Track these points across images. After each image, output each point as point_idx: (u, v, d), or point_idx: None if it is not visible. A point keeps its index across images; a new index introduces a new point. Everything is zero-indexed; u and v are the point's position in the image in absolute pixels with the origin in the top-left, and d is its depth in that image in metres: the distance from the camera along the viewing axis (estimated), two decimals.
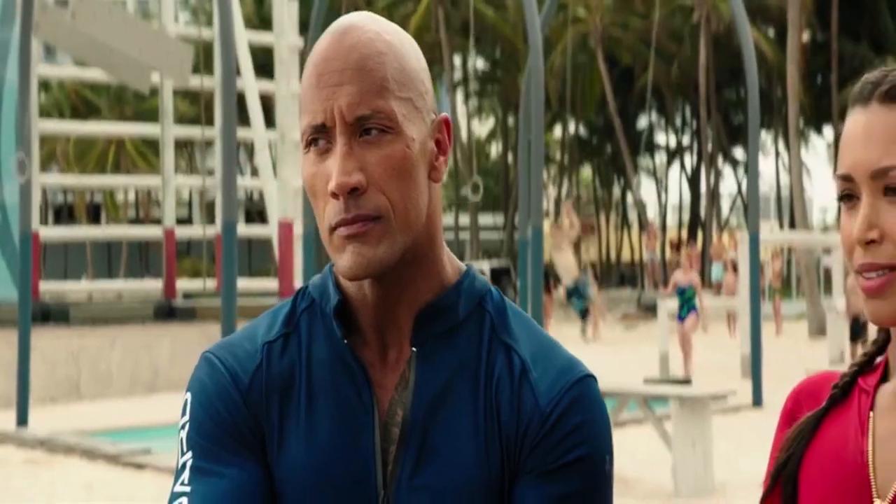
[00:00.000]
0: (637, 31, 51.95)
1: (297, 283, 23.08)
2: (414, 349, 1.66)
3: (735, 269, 26.67)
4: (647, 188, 66.42)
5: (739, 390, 15.31)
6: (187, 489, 1.64)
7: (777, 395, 17.59)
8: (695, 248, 25.99)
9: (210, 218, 31.84)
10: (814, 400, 1.78)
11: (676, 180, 65.43)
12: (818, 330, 28.52)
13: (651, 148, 66.84)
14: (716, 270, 31.79)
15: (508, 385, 1.65)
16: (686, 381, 16.70)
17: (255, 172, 45.02)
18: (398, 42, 1.65)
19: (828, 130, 60.35)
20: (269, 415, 1.67)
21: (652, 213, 63.27)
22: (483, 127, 73.38)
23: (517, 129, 60.37)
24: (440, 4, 51.70)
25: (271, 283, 27.18)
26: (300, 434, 1.65)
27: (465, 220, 59.20)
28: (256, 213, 50.58)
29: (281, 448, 1.66)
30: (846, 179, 1.64)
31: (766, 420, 15.78)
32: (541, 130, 15.33)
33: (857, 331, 21.39)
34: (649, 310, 37.42)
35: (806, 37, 45.97)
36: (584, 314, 30.06)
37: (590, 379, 1.67)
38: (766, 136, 61.43)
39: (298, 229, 24.33)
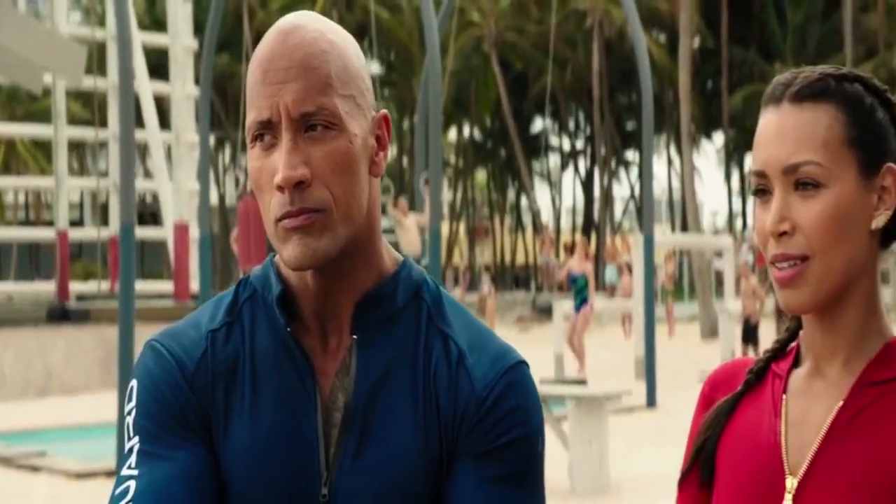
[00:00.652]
0: (531, 35, 52.34)
1: (194, 285, 22.92)
2: (354, 337, 1.72)
3: (630, 271, 27.01)
4: (541, 192, 66.92)
5: (633, 391, 15.52)
6: (135, 472, 1.67)
7: (670, 396, 17.85)
8: (584, 240, 26.34)
9: (104, 220, 31.47)
10: (729, 385, 1.87)
11: (570, 184, 66.07)
12: (710, 332, 28.97)
13: (545, 152, 67.38)
14: (609, 273, 32.13)
15: (446, 371, 1.72)
16: (581, 382, 16.87)
17: (146, 174, 44.60)
18: (341, 41, 1.72)
19: (718, 135, 61.31)
20: (215, 401, 1.71)
21: (546, 216, 63.76)
22: None
23: (412, 132, 60.49)
24: (335, 7, 51.66)
25: (165, 286, 26.98)
26: (245, 419, 1.70)
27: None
28: (149, 215, 50.11)
29: (226, 433, 1.70)
30: (760, 175, 1.74)
31: (659, 420, 16.01)
32: (439, 133, 15.41)
33: (748, 333, 21.78)
34: (544, 312, 37.73)
35: (696, 43, 46.66)
36: None
37: (523, 365, 1.74)
38: (657, 141, 62.22)
39: (194, 231, 24.21)
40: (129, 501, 1.66)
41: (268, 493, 1.69)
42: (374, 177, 1.74)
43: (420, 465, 1.69)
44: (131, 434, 1.71)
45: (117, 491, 1.68)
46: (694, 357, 23.48)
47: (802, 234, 1.70)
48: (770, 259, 1.73)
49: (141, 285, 26.88)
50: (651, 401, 17.20)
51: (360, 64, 1.73)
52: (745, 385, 1.84)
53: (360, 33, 55.82)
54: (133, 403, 1.72)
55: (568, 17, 49.85)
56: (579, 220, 62.05)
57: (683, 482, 1.86)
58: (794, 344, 1.84)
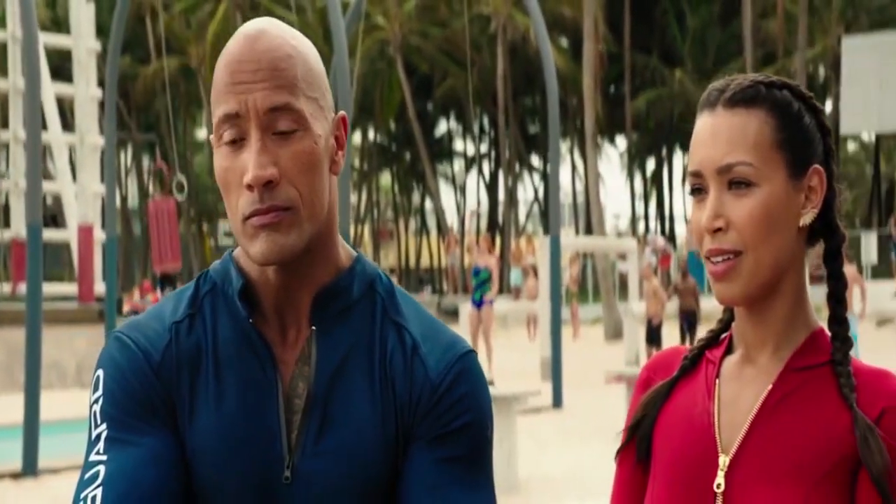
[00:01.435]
0: (436, 39, 52.46)
1: (99, 287, 22.72)
2: (313, 328, 1.81)
3: (535, 273, 27.22)
4: (446, 194, 67.15)
5: (541, 392, 15.68)
6: (103, 458, 1.74)
7: (576, 396, 18.05)
8: (488, 236, 26.54)
9: (5, 222, 31.05)
10: (666, 371, 2.00)
11: (475, 187, 66.39)
12: (614, 334, 29.26)
13: (450, 155, 67.56)
14: (515, 275, 32.33)
15: (401, 359, 1.82)
16: (489, 383, 17.01)
17: (46, 176, 44.04)
18: (303, 46, 1.81)
19: (621, 140, 61.90)
20: (180, 389, 1.79)
21: (451, 219, 63.96)
22: None
23: None
24: (238, 10, 51.37)
25: (68, 288, 26.69)
26: (209, 406, 1.78)
27: None
28: (49, 217, 49.44)
29: (192, 420, 1.78)
30: (696, 175, 1.87)
31: (565, 420, 16.20)
32: (348, 136, 15.44)
33: (651, 333, 22.06)
34: (450, 314, 37.85)
35: (600, 48, 47.06)
36: None
37: (472, 354, 1.85)
38: (560, 145, 62.61)
39: (98, 233, 24.00)
40: (100, 485, 1.71)
41: (233, 477, 1.76)
42: (334, 175, 1.83)
43: (378, 449, 1.79)
44: (98, 421, 1.77)
45: (86, 476, 1.74)
46: (598, 358, 23.74)
47: (735, 231, 1.83)
48: (705, 254, 1.86)
49: (45, 287, 26.57)
50: (557, 401, 17.38)
51: (320, 68, 1.82)
52: (681, 370, 1.96)
53: None
54: (99, 392, 1.78)
55: (472, 22, 50.03)
56: (484, 222, 62.30)
57: (621, 458, 1.99)
58: (726, 334, 1.97)
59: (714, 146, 1.85)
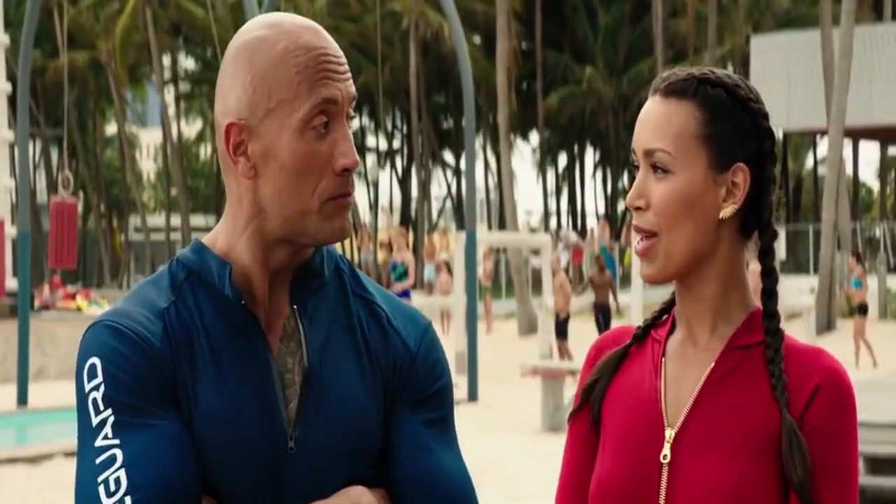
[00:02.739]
0: (348, 34, 52.35)
1: (10, 282, 22.46)
2: (295, 306, 1.92)
3: (447, 269, 27.31)
4: (358, 190, 66.98)
5: (456, 385, 15.78)
6: (115, 441, 1.78)
7: (490, 390, 18.17)
8: (402, 230, 26.64)
9: None
10: (613, 349, 2.11)
11: (387, 183, 66.28)
12: (528, 328, 29.41)
13: (362, 151, 67.47)
14: (428, 271, 32.40)
15: (378, 331, 1.96)
16: None
17: None
18: None
19: (533, 136, 62.20)
20: (181, 373, 1.85)
21: (363, 214, 63.88)
22: (191, 128, 72.52)
23: None
24: (148, 4, 50.89)
25: None
26: (210, 387, 1.86)
27: (176, 220, 58.43)
28: None
29: (195, 401, 1.85)
30: (634, 153, 2.02)
31: (481, 413, 16.30)
32: None
33: (558, 327, 22.24)
34: None
35: (512, 46, 47.28)
36: None
37: (431, 324, 2.03)
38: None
39: (9, 228, 23.72)
40: (121, 466, 1.76)
41: (240, 453, 1.84)
42: None
43: (371, 414, 1.91)
44: (101, 408, 1.80)
45: (98, 460, 1.77)
46: (512, 352, 23.85)
47: (653, 212, 1.96)
48: (633, 227, 2.02)
49: None
50: (473, 395, 17.48)
51: None
52: (633, 340, 2.09)
53: (174, 31, 55.26)
54: (99, 380, 1.82)
55: (385, 18, 50.03)
56: (397, 218, 62.30)
57: (573, 421, 2.10)
58: (669, 315, 2.09)
59: (644, 130, 1.99)
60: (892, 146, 47.43)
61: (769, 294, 2.01)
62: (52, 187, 58.32)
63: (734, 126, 1.98)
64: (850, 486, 1.92)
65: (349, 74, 1.89)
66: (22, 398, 16.31)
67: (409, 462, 1.91)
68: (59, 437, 13.39)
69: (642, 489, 1.95)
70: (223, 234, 1.94)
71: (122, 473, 1.75)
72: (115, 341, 1.84)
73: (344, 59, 1.89)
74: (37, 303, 28.26)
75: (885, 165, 50.22)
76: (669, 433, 1.97)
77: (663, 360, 2.04)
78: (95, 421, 1.80)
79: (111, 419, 1.79)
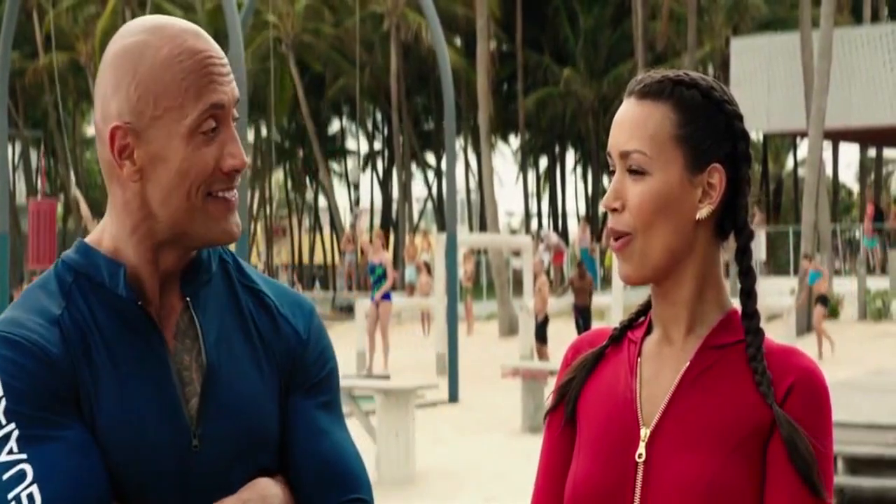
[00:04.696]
0: (328, 37, 52.32)
1: None
2: (188, 298, 1.92)
3: (428, 270, 27.31)
4: (339, 192, 66.93)
5: (437, 386, 15.78)
6: (22, 456, 1.74)
7: (471, 391, 18.19)
8: (381, 232, 26.64)
9: None
10: (590, 349, 2.12)
11: (369, 184, 66.36)
12: (509, 330, 29.42)
13: (343, 153, 67.41)
14: (409, 272, 32.40)
15: (267, 320, 1.98)
16: (385, 377, 17.11)
17: None
18: None
19: (513, 137, 62.22)
20: (81, 378, 1.83)
21: (345, 216, 63.87)
22: None
23: None
24: (128, 6, 50.80)
25: None
26: (111, 392, 1.84)
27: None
28: None
29: (97, 408, 1.83)
30: (609, 156, 2.02)
31: (462, 414, 16.33)
32: (244, 132, 15.44)
33: (537, 329, 22.27)
34: (343, 311, 37.83)
35: (492, 47, 47.35)
36: None
37: (315, 308, 2.06)
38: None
39: None
40: (32, 482, 1.73)
41: (145, 454, 1.83)
42: None
43: (269, 404, 1.93)
44: (3, 423, 1.76)
45: (5, 476, 1.74)
46: (493, 354, 23.87)
47: (629, 213, 1.97)
48: (609, 231, 2.01)
49: None
50: (454, 396, 17.51)
51: None
52: (609, 341, 2.09)
53: None
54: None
55: (365, 20, 50.03)
56: (378, 220, 62.31)
57: (549, 420, 2.10)
58: (645, 317, 2.10)
59: (620, 132, 2.00)
60: (871, 148, 47.58)
61: (748, 294, 2.02)
62: (31, 189, 58.18)
63: (709, 127, 1.98)
64: (828, 482, 1.93)
65: (232, 76, 1.90)
66: None
67: (307, 446, 1.94)
68: None
69: (617, 489, 1.96)
70: (109, 236, 1.92)
71: (34, 489, 1.73)
72: (12, 352, 1.80)
73: (226, 61, 1.90)
74: None
75: (865, 167, 50.37)
76: (644, 432, 1.98)
77: (639, 360, 2.04)
78: None
79: (15, 433, 1.76)
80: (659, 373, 2.02)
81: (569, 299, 24.37)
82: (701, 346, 2.00)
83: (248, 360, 1.93)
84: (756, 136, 49.36)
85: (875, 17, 43.89)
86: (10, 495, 1.72)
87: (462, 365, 18.40)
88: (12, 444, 1.75)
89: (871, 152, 48.95)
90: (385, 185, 62.43)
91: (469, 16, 45.53)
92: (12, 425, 1.75)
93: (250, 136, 64.37)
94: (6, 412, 1.76)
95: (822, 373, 1.97)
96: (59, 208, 59.09)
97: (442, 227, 47.04)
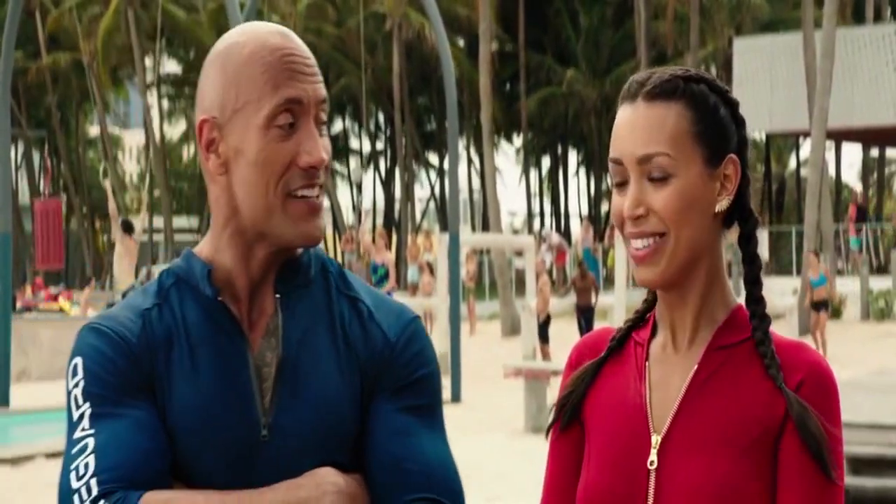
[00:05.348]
0: (330, 37, 52.34)
1: None
2: (278, 296, 1.98)
3: (430, 270, 27.31)
4: (342, 192, 66.93)
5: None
6: (90, 432, 1.88)
7: (474, 391, 18.18)
8: (383, 232, 26.72)
9: None
10: (593, 352, 2.10)
11: (371, 184, 66.46)
12: (511, 329, 29.40)
13: (346, 153, 67.41)
14: (412, 272, 32.40)
15: (359, 325, 2.01)
16: None
17: None
18: None
19: (516, 137, 62.21)
20: (157, 367, 1.94)
21: (347, 216, 63.82)
22: (174, 129, 72.42)
23: None
24: (130, 6, 50.81)
25: None
26: (186, 380, 1.93)
27: (159, 222, 58.33)
28: None
29: (170, 394, 1.93)
30: (617, 163, 1.98)
31: (465, 414, 16.30)
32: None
33: (540, 330, 22.26)
34: None
35: (494, 47, 47.34)
36: None
37: (419, 319, 2.06)
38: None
39: None
40: (91, 453, 1.85)
41: (214, 440, 1.90)
42: None
43: (345, 403, 1.96)
44: (80, 402, 1.92)
45: (73, 450, 1.87)
46: (495, 354, 23.86)
47: (655, 216, 1.94)
48: (627, 236, 1.97)
49: None
50: (456, 395, 17.50)
51: None
52: (609, 351, 2.07)
53: (155, 33, 55.07)
54: (80, 376, 1.93)
55: (367, 20, 50.05)
56: (380, 220, 62.31)
57: (553, 436, 2.09)
58: (651, 314, 2.08)
59: (634, 138, 1.95)
60: (873, 148, 47.58)
61: (754, 280, 2.02)
62: (33, 189, 58.21)
63: (721, 120, 1.98)
64: (839, 464, 1.92)
65: (318, 77, 1.96)
66: (3, 399, 16.27)
67: (382, 447, 1.95)
68: (41, 438, 13.36)
69: (630, 496, 1.95)
70: (208, 240, 2.02)
71: (91, 459, 1.85)
72: (96, 340, 1.94)
73: (313, 62, 1.96)
74: (19, 304, 28.22)
75: (867, 167, 50.37)
76: (655, 439, 1.97)
77: (647, 363, 2.03)
78: (76, 415, 1.91)
79: (88, 412, 1.89)
80: (668, 377, 2.01)
81: (571, 299, 24.36)
82: (707, 347, 1.99)
83: (331, 361, 1.98)
84: (759, 136, 49.39)
85: (878, 17, 43.89)
86: (72, 466, 1.85)
87: (464, 365, 18.39)
88: (85, 421, 1.88)
89: (874, 152, 48.95)
90: (387, 185, 62.43)
91: (471, 16, 45.54)
92: (87, 405, 1.90)
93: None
94: (83, 393, 1.91)
95: (831, 368, 1.97)
96: (63, 208, 59.07)
97: (444, 227, 47.05)
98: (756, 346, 1.97)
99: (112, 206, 20.71)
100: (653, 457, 1.95)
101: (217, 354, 1.94)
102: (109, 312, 1.99)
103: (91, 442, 1.86)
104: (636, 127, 1.96)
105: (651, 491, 1.94)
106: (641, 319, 2.10)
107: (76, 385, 1.92)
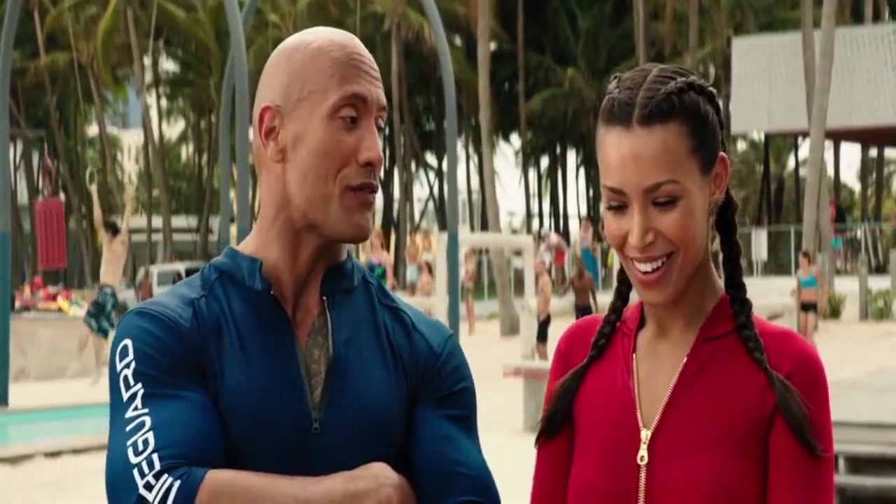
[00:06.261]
0: None
1: None
2: (325, 298, 2.01)
3: (429, 270, 27.30)
4: None
5: None
6: (144, 411, 1.88)
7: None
8: (380, 232, 26.75)
9: None
10: (582, 341, 2.09)
11: None
12: (510, 329, 29.39)
13: None
14: (410, 272, 32.40)
15: (403, 334, 2.05)
16: None
17: None
18: None
19: (515, 137, 62.25)
20: (208, 354, 1.95)
21: None
22: (172, 129, 72.43)
23: (210, 131, 59.66)
24: (129, 5, 50.82)
25: None
26: (237, 369, 1.95)
27: (157, 222, 58.34)
28: None
29: (222, 380, 1.94)
30: (618, 193, 1.92)
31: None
32: (245, 131, 15.44)
33: (540, 329, 22.25)
34: None
35: (493, 47, 47.38)
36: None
37: (454, 335, 2.12)
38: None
39: None
40: (150, 429, 1.85)
41: (266, 430, 1.92)
42: None
43: (392, 405, 1.99)
44: (132, 383, 1.90)
45: (128, 427, 1.87)
46: (494, 353, 23.84)
47: (664, 240, 1.90)
48: (631, 259, 1.94)
49: None
50: None
51: None
52: (596, 350, 2.06)
53: (154, 32, 55.11)
54: (130, 358, 1.92)
55: (366, 20, 50.08)
56: (378, 220, 62.33)
57: (541, 444, 2.09)
58: (634, 305, 2.06)
59: (637, 167, 1.89)
60: (872, 148, 47.60)
61: (734, 264, 2.01)
62: (32, 189, 58.21)
63: (713, 125, 1.96)
64: (829, 449, 1.92)
65: (380, 83, 2.00)
66: (2, 398, 16.27)
67: (431, 450, 1.98)
68: (40, 437, 13.37)
69: (621, 493, 1.94)
70: (254, 235, 2.05)
71: (150, 435, 1.84)
72: (146, 323, 1.95)
73: (376, 67, 2.01)
74: (17, 304, 28.22)
75: (866, 167, 50.39)
76: (645, 434, 1.95)
77: (634, 356, 2.02)
78: (126, 395, 1.90)
79: (141, 392, 1.89)
80: (657, 370, 1.99)
81: (571, 298, 24.37)
82: (696, 339, 1.97)
83: (377, 362, 2.01)
84: (757, 135, 49.43)
85: (877, 17, 43.90)
86: (129, 442, 1.84)
87: None
88: (138, 401, 1.88)
89: (873, 152, 48.96)
90: (386, 185, 62.46)
91: (470, 16, 45.54)
92: (139, 385, 1.89)
93: (251, 136, 64.35)
94: (135, 374, 1.90)
95: (819, 357, 1.96)
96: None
97: (443, 226, 47.05)
98: (738, 329, 1.96)
99: (97, 211, 20.59)
100: (643, 452, 1.94)
101: (266, 346, 1.96)
102: (156, 299, 2.00)
103: (148, 420, 1.86)
104: (639, 156, 1.89)
105: (642, 486, 1.93)
106: (624, 305, 2.09)
107: (127, 366, 1.91)
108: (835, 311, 27.27)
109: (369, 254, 22.18)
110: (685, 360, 1.97)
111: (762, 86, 36.91)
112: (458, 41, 54.23)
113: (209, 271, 2.05)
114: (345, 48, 1.99)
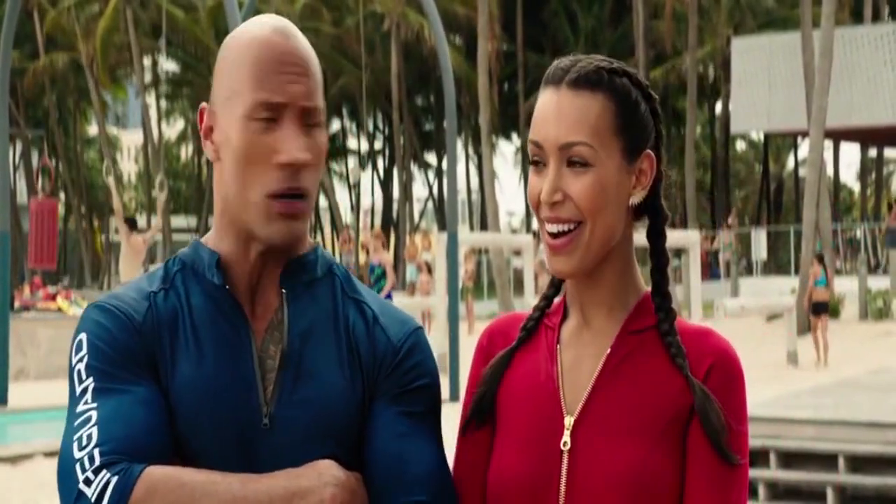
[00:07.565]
0: (328, 37, 52.34)
1: None
2: (284, 291, 1.99)
3: (428, 270, 27.32)
4: (340, 192, 66.96)
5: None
6: (93, 405, 1.89)
7: None
8: (380, 232, 26.69)
9: None
10: (504, 336, 2.12)
11: (369, 184, 66.51)
12: None
13: (344, 152, 67.46)
14: (410, 272, 32.41)
15: (363, 328, 2.03)
16: None
17: None
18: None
19: (515, 137, 62.26)
20: (161, 347, 1.96)
21: (345, 216, 63.84)
22: (172, 129, 72.43)
23: None
24: (129, 5, 50.81)
25: None
26: (189, 362, 1.94)
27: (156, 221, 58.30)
28: None
29: (173, 374, 1.94)
30: (537, 146, 1.99)
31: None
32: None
33: None
34: None
35: (493, 47, 47.34)
36: None
37: (422, 329, 2.08)
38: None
39: None
40: (94, 425, 1.86)
41: (214, 424, 1.91)
42: None
43: (347, 401, 1.97)
44: (84, 377, 1.93)
45: (76, 422, 1.88)
46: None
47: (572, 203, 1.95)
48: (542, 218, 1.98)
49: None
50: (454, 395, 17.49)
51: None
52: (519, 340, 2.09)
53: (154, 32, 55.13)
54: (84, 352, 1.93)
55: (366, 20, 50.09)
56: (378, 219, 62.33)
57: (464, 431, 2.08)
58: (559, 299, 2.10)
59: (557, 124, 1.96)
60: (872, 147, 47.61)
61: (661, 273, 2.04)
62: (31, 188, 58.22)
63: (641, 115, 2.01)
64: (745, 455, 1.96)
65: (309, 77, 1.96)
66: (1, 398, 16.27)
67: (383, 447, 1.96)
68: (39, 437, 13.36)
69: (542, 478, 1.96)
70: (213, 229, 2.05)
71: (94, 430, 1.86)
72: (100, 317, 1.96)
73: (306, 61, 1.96)
74: (17, 303, 28.19)
75: (866, 167, 50.40)
76: (569, 420, 1.98)
77: (558, 346, 2.05)
78: (78, 390, 1.92)
79: (91, 385, 1.91)
80: (580, 359, 2.02)
81: None
82: (620, 330, 2.01)
83: (334, 358, 1.99)
84: (757, 135, 49.44)
85: (876, 17, 43.91)
86: (75, 437, 1.85)
87: (463, 364, 18.37)
88: (88, 395, 1.89)
89: (872, 152, 48.97)
90: (386, 184, 62.45)
91: (470, 16, 45.56)
92: (90, 379, 1.91)
93: None
94: (86, 367, 1.92)
95: (737, 353, 2.00)
96: (61, 208, 59.09)
97: (443, 226, 47.05)
98: (662, 336, 1.99)
99: (117, 202, 20.58)
100: (566, 437, 1.97)
101: (220, 339, 1.96)
102: (115, 293, 2.01)
103: (94, 414, 1.86)
104: (560, 114, 1.97)
105: (564, 471, 1.95)
106: (549, 305, 2.11)
107: (80, 360, 1.93)
108: (834, 311, 27.27)
109: (371, 255, 22.17)
110: (609, 350, 2.00)
111: (761, 85, 36.92)
112: (458, 41, 54.23)
113: (172, 263, 2.05)
114: (268, 45, 1.95)
